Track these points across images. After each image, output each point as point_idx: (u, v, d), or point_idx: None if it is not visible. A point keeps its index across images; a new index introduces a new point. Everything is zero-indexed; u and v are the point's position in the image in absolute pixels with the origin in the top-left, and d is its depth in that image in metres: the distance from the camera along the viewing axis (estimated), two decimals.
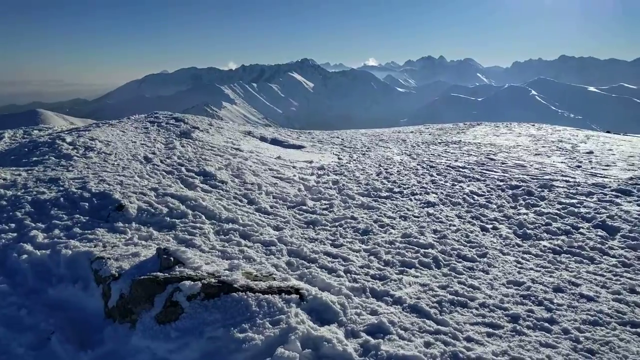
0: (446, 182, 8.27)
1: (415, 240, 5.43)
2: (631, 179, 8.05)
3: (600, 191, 7.36)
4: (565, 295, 4.15)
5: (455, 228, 5.94)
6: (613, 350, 3.32)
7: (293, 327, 3.24)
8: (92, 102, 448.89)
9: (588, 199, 7.00)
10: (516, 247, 5.36)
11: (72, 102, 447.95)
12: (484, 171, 8.99)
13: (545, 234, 5.74)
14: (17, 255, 4.43)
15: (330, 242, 5.34)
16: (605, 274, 4.63)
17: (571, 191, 7.41)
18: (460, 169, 9.21)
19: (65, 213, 5.41)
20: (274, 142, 12.63)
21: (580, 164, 9.51)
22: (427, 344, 3.29)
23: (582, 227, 5.93)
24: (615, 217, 6.22)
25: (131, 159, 8.08)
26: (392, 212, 6.55)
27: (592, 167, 9.18)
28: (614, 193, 7.25)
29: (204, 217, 5.64)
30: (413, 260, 4.84)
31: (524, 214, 6.49)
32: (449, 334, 3.43)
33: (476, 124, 18.49)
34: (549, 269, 4.73)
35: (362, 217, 6.24)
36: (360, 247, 5.21)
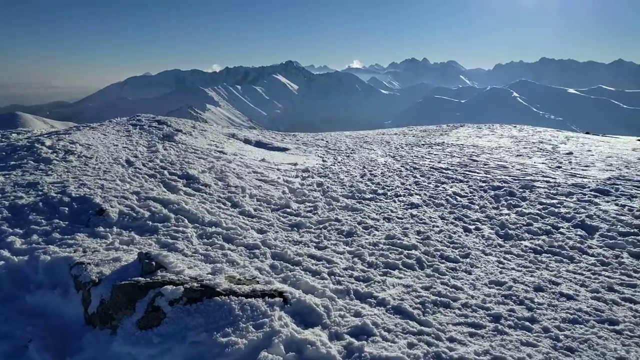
0: (429, 183, 8.34)
1: (398, 241, 5.45)
2: (609, 179, 8.22)
3: (580, 191, 7.50)
4: (545, 295, 4.21)
5: (438, 229, 5.99)
6: (592, 348, 3.37)
7: (276, 330, 3.23)
8: (73, 104, 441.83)
9: (568, 199, 7.12)
10: (498, 247, 5.42)
11: (52, 105, 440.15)
12: (466, 172, 9.08)
13: (526, 234, 5.82)
14: None
15: (314, 244, 5.34)
16: (584, 272, 4.71)
17: (551, 191, 7.53)
18: (444, 171, 9.29)
19: (44, 218, 5.31)
20: (258, 144, 12.58)
21: (560, 165, 9.68)
22: (411, 345, 3.31)
23: (562, 227, 6.03)
24: (594, 216, 6.34)
25: (113, 162, 7.97)
26: (376, 214, 6.58)
27: (571, 168, 9.35)
28: (592, 193, 7.39)
29: (186, 221, 5.59)
30: (397, 262, 4.86)
31: (506, 214, 6.58)
32: (432, 335, 3.45)
33: (459, 125, 18.70)
34: (530, 269, 4.80)
35: (346, 219, 6.26)
36: (344, 249, 5.21)
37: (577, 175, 8.62)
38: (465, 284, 4.41)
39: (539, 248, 5.37)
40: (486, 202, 7.17)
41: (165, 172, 7.63)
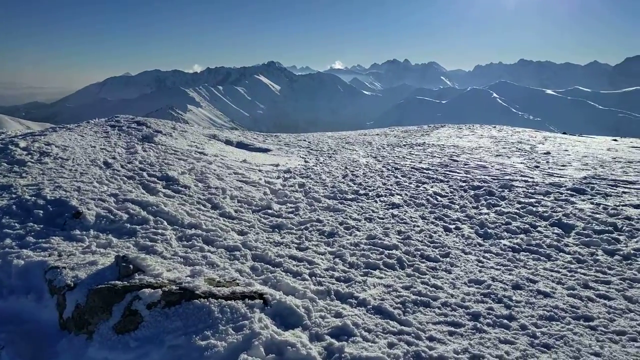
0: (410, 183, 8.39)
1: (379, 241, 5.47)
2: (585, 178, 8.40)
3: (557, 190, 7.64)
4: (523, 292, 4.27)
5: (419, 229, 6.03)
6: (567, 344, 3.44)
7: (256, 332, 3.21)
8: (50, 105, 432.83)
9: (545, 198, 7.25)
10: (478, 246, 5.49)
11: (28, 106, 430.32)
12: (447, 172, 9.18)
13: (505, 233, 5.91)
14: None
15: (295, 245, 5.32)
16: (560, 270, 4.80)
17: (530, 191, 7.66)
18: (424, 171, 9.37)
19: (17, 221, 5.16)
20: (240, 145, 12.50)
21: (538, 165, 9.85)
22: (391, 345, 3.32)
23: (540, 226, 6.14)
24: (571, 215, 6.46)
25: (90, 164, 7.81)
26: (358, 214, 6.59)
27: (549, 168, 9.52)
28: (569, 192, 7.54)
29: (166, 223, 5.51)
30: (377, 262, 4.88)
31: (485, 213, 6.66)
32: (412, 334, 3.47)
33: (440, 126, 18.90)
34: (509, 267, 4.87)
35: (328, 220, 6.25)
36: (325, 249, 5.21)
37: (555, 175, 8.78)
38: (445, 283, 4.45)
39: (517, 246, 5.45)
40: (466, 201, 7.25)
41: (144, 173, 7.51)
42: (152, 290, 3.44)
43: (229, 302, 3.47)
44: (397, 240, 5.57)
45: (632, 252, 5.24)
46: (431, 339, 3.43)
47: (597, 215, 6.41)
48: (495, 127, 18.33)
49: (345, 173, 9.25)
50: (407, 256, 5.08)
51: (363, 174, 9.20)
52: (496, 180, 8.33)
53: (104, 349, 3.18)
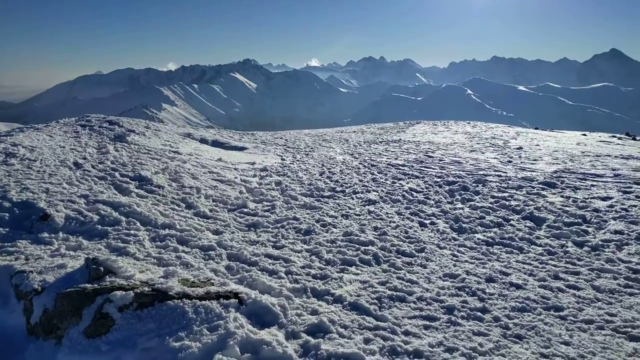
0: (386, 180, 8.45)
1: (356, 238, 5.49)
2: (555, 172, 8.61)
3: (529, 184, 7.81)
4: (496, 285, 4.35)
5: (395, 224, 6.07)
6: (538, 334, 3.51)
7: (232, 332, 3.17)
8: (18, 105, 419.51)
9: (518, 192, 7.40)
10: (452, 240, 5.56)
11: None
12: (422, 168, 9.27)
13: (479, 227, 6.00)
14: None
15: (271, 244, 5.29)
16: (532, 262, 4.90)
17: (503, 185, 7.80)
18: (400, 167, 9.44)
19: None
20: (215, 144, 12.36)
21: (511, 160, 10.04)
22: (367, 341, 3.33)
23: (513, 219, 6.26)
24: (542, 208, 6.61)
25: (59, 165, 7.60)
26: (334, 211, 6.60)
27: (521, 162, 9.72)
28: (540, 186, 7.71)
29: (138, 224, 5.40)
30: (354, 258, 4.89)
31: (460, 208, 6.75)
32: (388, 329, 3.49)
33: (416, 122, 19.08)
34: (482, 261, 4.95)
35: (305, 218, 6.24)
36: (302, 247, 5.19)
37: (527, 169, 8.97)
38: (421, 277, 4.49)
39: (490, 240, 5.55)
40: (441, 197, 7.34)
41: (116, 174, 7.36)
42: (124, 292, 3.36)
43: (204, 302, 3.43)
44: (373, 236, 5.59)
45: (600, 243, 5.39)
46: (407, 333, 3.46)
47: (567, 208, 6.57)
48: (469, 123, 18.61)
49: (322, 170, 9.25)
50: (383, 252, 5.11)
51: (340, 171, 9.21)
52: (470, 176, 8.46)
53: (74, 354, 3.10)
